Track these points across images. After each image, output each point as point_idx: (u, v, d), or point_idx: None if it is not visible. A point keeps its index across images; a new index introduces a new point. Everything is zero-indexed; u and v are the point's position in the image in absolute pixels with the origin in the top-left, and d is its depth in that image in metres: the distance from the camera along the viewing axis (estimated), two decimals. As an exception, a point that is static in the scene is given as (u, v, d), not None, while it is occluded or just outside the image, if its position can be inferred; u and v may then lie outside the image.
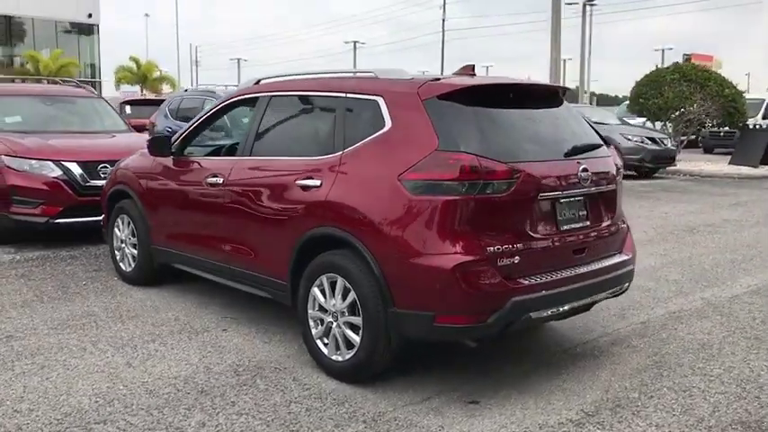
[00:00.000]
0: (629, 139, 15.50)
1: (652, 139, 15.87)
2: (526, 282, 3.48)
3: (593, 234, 3.92)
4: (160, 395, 3.66)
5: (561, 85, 4.66)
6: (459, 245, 3.36)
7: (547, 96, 4.21)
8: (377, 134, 3.76)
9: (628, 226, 4.35)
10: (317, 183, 3.93)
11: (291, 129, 4.54)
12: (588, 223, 3.90)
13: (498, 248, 3.41)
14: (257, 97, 4.71)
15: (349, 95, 4.03)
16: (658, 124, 18.78)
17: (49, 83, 12.09)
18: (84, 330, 4.70)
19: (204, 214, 4.88)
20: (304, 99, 4.48)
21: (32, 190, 7.02)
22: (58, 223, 7.09)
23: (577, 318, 4.93)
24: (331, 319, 3.86)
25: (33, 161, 7.11)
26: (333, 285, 3.83)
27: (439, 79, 3.80)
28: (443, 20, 54.25)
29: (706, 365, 4.11)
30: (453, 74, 4.27)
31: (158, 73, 47.88)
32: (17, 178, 7.05)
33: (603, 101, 60.78)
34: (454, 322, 3.40)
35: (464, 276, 3.34)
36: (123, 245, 5.93)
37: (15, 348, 4.35)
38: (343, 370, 3.82)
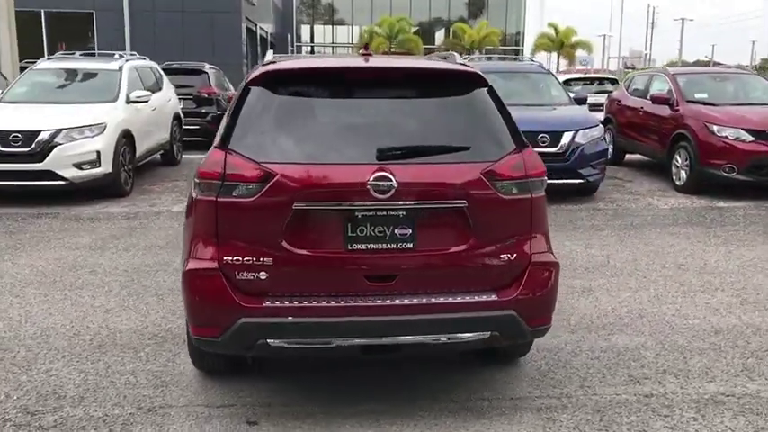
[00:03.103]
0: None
1: None
2: (269, 303, 2.98)
3: (418, 260, 3.06)
4: (74, 342, 4.25)
5: (450, 67, 3.51)
6: (199, 250, 3.08)
7: (431, 83, 3.35)
8: None
9: (532, 260, 3.18)
10: None
11: None
12: (411, 246, 3.04)
13: (238, 260, 2.99)
14: None
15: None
16: None
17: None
18: (144, 276, 5.55)
19: None
20: None
21: None
22: None
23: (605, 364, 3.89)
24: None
25: None
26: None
27: (274, 63, 3.39)
28: None
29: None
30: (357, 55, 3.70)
31: (575, 38, 47.56)
32: None
33: None
34: (195, 333, 3.15)
35: (194, 285, 3.07)
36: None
37: (79, 279, 5.46)
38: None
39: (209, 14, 27.02)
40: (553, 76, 10.40)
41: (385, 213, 3.02)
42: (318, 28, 59.10)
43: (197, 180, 3.08)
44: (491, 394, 3.60)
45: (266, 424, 3.30)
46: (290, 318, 2.96)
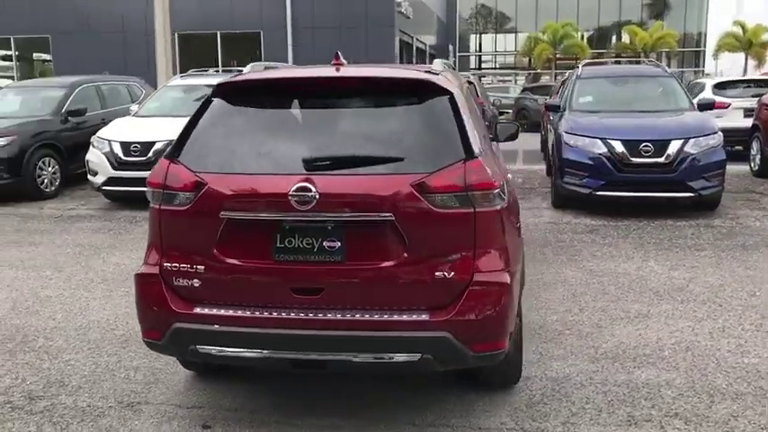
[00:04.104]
0: None
1: None
2: (199, 310, 3.03)
3: (346, 274, 2.94)
4: (106, 336, 4.60)
5: (406, 75, 3.24)
6: (149, 256, 3.24)
7: (386, 92, 3.21)
8: None
9: (474, 279, 2.91)
10: None
11: None
12: (340, 259, 2.93)
13: (176, 266, 3.08)
14: None
15: None
16: None
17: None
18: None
19: None
20: None
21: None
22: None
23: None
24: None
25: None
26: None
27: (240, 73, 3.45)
28: None
29: None
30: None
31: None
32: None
33: None
34: (143, 336, 3.27)
35: (140, 288, 3.22)
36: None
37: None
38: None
39: (364, 29, 27.98)
40: (675, 79, 9.45)
41: (313, 225, 2.95)
42: (486, 37, 58.79)
43: (146, 188, 3.23)
44: (459, 421, 3.37)
45: (219, 429, 3.35)
46: (216, 326, 3.00)
